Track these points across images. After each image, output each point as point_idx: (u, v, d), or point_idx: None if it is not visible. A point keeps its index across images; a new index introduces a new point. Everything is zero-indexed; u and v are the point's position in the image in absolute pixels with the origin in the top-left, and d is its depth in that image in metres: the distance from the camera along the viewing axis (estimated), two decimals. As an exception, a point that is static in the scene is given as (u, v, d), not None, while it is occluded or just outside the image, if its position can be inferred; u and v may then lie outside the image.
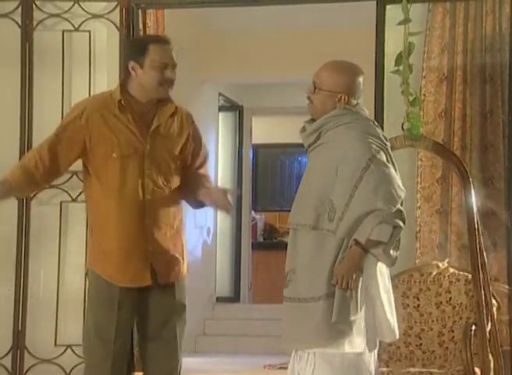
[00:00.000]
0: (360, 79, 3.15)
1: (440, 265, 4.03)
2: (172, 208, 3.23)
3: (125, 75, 3.24)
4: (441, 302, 3.96)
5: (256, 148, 9.05)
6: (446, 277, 3.98)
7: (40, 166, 3.15)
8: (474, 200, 3.90)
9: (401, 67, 4.01)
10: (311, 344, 2.97)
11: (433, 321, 3.94)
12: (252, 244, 8.07)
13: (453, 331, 3.88)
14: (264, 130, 8.94)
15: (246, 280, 7.84)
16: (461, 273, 3.99)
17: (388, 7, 4.19)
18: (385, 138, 3.14)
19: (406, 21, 3.99)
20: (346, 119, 3.07)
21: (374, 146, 3.02)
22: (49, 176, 3.22)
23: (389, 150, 3.11)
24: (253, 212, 8.52)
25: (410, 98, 4.01)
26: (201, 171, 3.35)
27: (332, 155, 3.03)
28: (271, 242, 8.97)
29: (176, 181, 3.25)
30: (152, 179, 3.18)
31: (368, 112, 3.19)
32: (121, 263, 3.13)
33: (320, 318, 2.92)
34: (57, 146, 3.17)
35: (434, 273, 3.99)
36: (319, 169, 3.06)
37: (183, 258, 3.25)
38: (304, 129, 3.17)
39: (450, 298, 3.95)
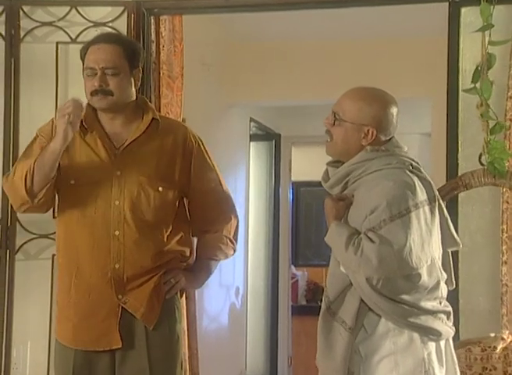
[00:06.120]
0: (394, 111, 3.09)
1: (505, 336, 3.84)
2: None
3: None
4: None
5: (296, 187, 9.07)
6: None
7: None
8: None
9: (478, 84, 3.92)
10: None
11: None
12: (292, 307, 7.99)
13: None
14: (307, 164, 8.89)
15: (284, 353, 7.74)
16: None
17: (463, 10, 4.10)
18: (430, 183, 3.04)
19: (487, 27, 3.88)
20: (374, 166, 2.99)
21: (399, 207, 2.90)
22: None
23: (437, 197, 2.99)
24: (293, 267, 8.51)
25: (491, 124, 3.92)
26: (212, 224, 3.42)
27: (355, 218, 2.97)
28: (316, 306, 8.90)
29: (158, 214, 3.26)
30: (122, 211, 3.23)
31: (406, 148, 3.10)
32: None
33: None
34: None
35: (499, 348, 3.80)
36: None
37: None
38: (326, 176, 3.11)
39: None
